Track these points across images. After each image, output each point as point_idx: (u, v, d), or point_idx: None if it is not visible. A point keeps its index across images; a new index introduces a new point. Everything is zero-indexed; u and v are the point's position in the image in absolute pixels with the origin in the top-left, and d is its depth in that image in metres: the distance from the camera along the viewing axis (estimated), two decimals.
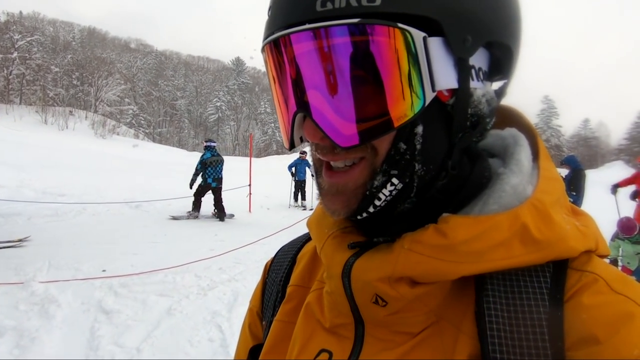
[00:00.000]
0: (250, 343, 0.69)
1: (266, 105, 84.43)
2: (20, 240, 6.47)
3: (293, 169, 12.65)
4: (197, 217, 9.82)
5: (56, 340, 3.54)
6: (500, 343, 0.42)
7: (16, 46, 53.90)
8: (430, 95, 0.44)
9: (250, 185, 11.67)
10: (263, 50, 0.49)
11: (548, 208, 0.46)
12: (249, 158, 13.27)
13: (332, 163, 0.48)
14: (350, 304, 0.50)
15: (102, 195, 11.60)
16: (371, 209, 0.48)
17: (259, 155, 54.49)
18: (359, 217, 0.49)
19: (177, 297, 4.57)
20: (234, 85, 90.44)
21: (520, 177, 0.49)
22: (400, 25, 0.41)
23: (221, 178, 10.19)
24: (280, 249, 0.76)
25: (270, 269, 0.72)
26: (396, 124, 0.43)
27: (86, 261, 5.60)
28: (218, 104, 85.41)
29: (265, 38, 0.48)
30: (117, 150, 31.63)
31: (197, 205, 9.92)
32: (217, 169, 10.08)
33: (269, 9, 0.49)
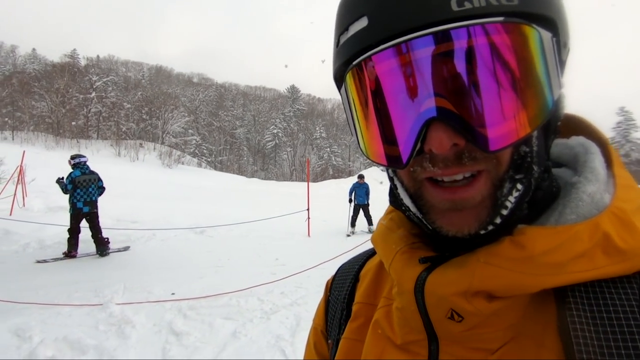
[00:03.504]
0: None
1: (321, 131, 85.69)
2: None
3: (353, 194, 12.49)
4: (74, 256, 7.74)
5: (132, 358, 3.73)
6: (590, 359, 0.39)
7: (94, 87, 59.35)
8: (557, 95, 0.43)
9: (308, 209, 11.78)
10: (358, 60, 0.46)
11: (630, 216, 0.44)
12: (306, 183, 13.44)
13: (446, 178, 0.45)
14: (424, 319, 0.48)
15: (169, 221, 12.23)
16: (498, 220, 0.45)
17: (315, 180, 55.10)
18: (482, 232, 0.45)
19: (241, 320, 4.66)
20: (289, 112, 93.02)
21: (596, 185, 0.47)
22: (535, 26, 0.41)
23: (96, 201, 8.20)
24: (341, 267, 0.76)
25: (332, 287, 0.73)
26: (538, 122, 0.42)
27: (157, 284, 5.90)
28: (275, 131, 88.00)
29: (367, 45, 0.45)
30: (182, 179, 33.37)
31: (72, 240, 7.80)
32: (90, 190, 8.08)
33: (358, 17, 0.46)
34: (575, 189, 0.47)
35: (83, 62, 76.15)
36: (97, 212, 8.21)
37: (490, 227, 0.45)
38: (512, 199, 0.45)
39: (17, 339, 3.95)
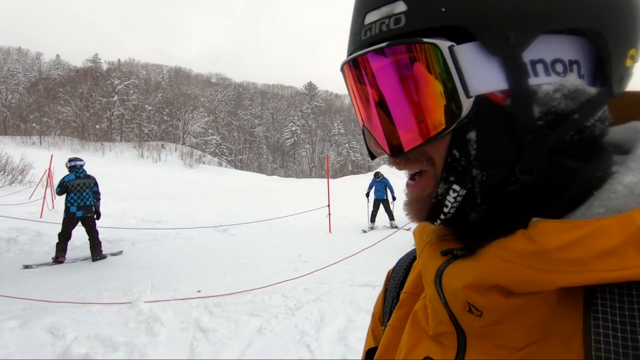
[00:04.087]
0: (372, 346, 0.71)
1: (340, 127, 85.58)
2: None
3: (372, 189, 12.41)
4: (61, 262, 7.47)
5: (161, 355, 3.82)
6: None
7: (116, 90, 60.65)
8: (466, 102, 0.43)
9: (329, 205, 11.80)
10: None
11: None
12: (326, 179, 13.47)
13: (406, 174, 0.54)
14: (448, 312, 0.48)
15: (193, 220, 12.45)
16: (442, 216, 0.49)
17: (334, 176, 55.17)
18: (435, 224, 0.51)
19: (266, 316, 4.71)
20: (307, 109, 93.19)
21: (638, 176, 0.42)
22: (424, 40, 0.43)
23: (91, 206, 7.95)
24: (401, 258, 0.77)
25: (392, 277, 0.74)
26: (432, 134, 0.45)
27: (183, 282, 6.02)
28: (293, 128, 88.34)
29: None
30: (204, 178, 33.82)
31: (61, 245, 7.58)
32: (84, 194, 7.86)
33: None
34: (611, 180, 0.43)
35: (105, 67, 78.02)
36: (92, 217, 7.96)
37: (438, 221, 0.50)
38: (450, 199, 0.47)
39: (51, 337, 4.08)
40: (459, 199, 0.47)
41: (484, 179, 0.45)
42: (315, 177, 58.84)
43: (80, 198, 7.81)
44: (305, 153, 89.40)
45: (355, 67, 0.49)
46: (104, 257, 7.84)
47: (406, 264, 0.71)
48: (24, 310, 4.80)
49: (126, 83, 62.55)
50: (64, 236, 7.64)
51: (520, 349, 0.44)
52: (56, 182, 14.63)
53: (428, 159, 0.48)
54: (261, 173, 58.80)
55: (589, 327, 0.39)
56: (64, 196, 7.95)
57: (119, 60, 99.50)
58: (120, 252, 8.32)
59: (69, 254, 7.71)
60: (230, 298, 5.31)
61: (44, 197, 13.00)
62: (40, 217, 11.41)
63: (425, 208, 0.50)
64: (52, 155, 14.71)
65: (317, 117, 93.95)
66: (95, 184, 8.13)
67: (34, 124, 55.50)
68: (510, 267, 0.41)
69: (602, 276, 0.38)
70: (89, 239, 7.82)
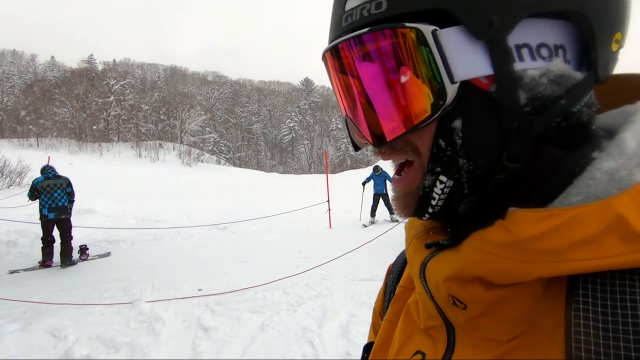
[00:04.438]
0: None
1: (337, 122, 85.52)
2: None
3: (370, 182, 12.35)
4: (49, 265, 7.39)
5: (164, 355, 3.81)
6: (589, 358, 0.35)
7: (112, 90, 60.47)
8: (451, 88, 0.41)
9: (328, 201, 11.79)
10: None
11: None
12: (325, 175, 13.46)
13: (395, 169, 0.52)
14: (435, 305, 0.48)
15: (192, 219, 12.43)
16: (430, 209, 0.48)
17: (334, 171, 55.14)
18: (423, 218, 0.50)
19: (268, 313, 4.70)
20: (304, 105, 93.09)
21: (621, 161, 0.40)
22: (406, 24, 0.42)
23: (64, 207, 7.70)
24: (402, 252, 0.76)
25: (392, 272, 0.74)
26: (415, 122, 0.44)
27: (184, 281, 6.00)
28: (291, 124, 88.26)
29: None
30: (203, 177, 33.80)
31: (46, 249, 7.44)
32: (55, 195, 7.59)
33: None
34: (590, 166, 0.42)
35: (100, 67, 77.68)
36: (67, 219, 7.71)
37: (427, 215, 0.49)
38: (437, 190, 0.46)
39: (53, 339, 4.07)
40: (446, 190, 0.46)
41: (471, 169, 0.44)
42: (315, 173, 58.82)
43: (52, 199, 7.57)
44: (303, 149, 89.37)
45: (336, 55, 0.48)
46: (74, 263, 7.55)
47: (403, 257, 0.71)
48: (24, 313, 4.79)
49: (122, 83, 62.35)
50: (46, 240, 7.49)
51: (506, 341, 0.43)
52: None
53: (414, 149, 0.47)
54: (260, 170, 58.90)
55: (570, 318, 0.38)
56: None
57: (114, 60, 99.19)
58: (108, 254, 8.20)
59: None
60: (231, 296, 5.30)
61: None
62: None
63: (412, 202, 0.49)
64: (49, 157, 14.65)
65: (315, 112, 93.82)
66: (69, 185, 7.86)
67: (30, 126, 55.35)
68: (488, 258, 0.41)
69: (581, 265, 0.37)
70: (61, 243, 7.54)
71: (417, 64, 0.42)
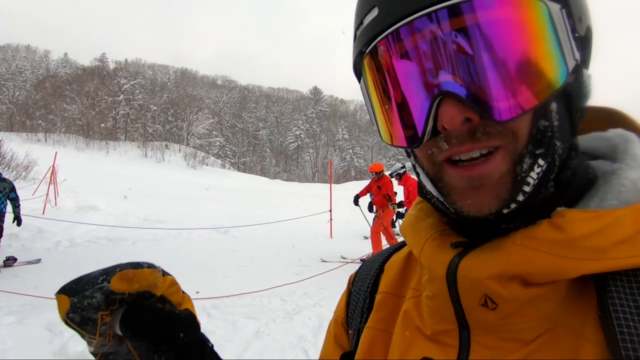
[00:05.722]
0: (339, 352, 0.68)
1: (344, 132, 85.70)
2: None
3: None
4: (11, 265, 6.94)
5: None
6: (635, 348, 0.37)
7: (122, 89, 61.00)
8: (572, 65, 0.42)
9: (331, 210, 11.79)
10: (370, 47, 0.48)
11: None
12: (328, 184, 13.46)
13: (462, 156, 0.44)
14: (455, 307, 0.47)
15: (194, 221, 12.46)
16: (520, 197, 0.44)
17: (337, 182, 55.12)
18: (505, 211, 0.44)
19: (264, 320, 4.70)
20: (312, 113, 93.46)
21: (639, 172, 0.45)
22: None
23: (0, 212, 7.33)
24: (364, 262, 0.76)
25: (355, 280, 0.72)
26: (548, 93, 0.42)
27: (182, 283, 5.73)
28: (297, 132, 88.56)
29: (379, 31, 0.46)
30: (207, 180, 33.88)
31: None
32: None
33: (370, 9, 0.48)
34: (616, 175, 0.46)
35: (112, 66, 78.50)
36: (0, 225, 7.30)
37: (513, 205, 0.44)
38: (534, 174, 0.43)
39: (49, 334, 4.08)
40: (540, 174, 0.44)
41: (561, 152, 0.46)
42: (318, 182, 58.83)
43: None
44: (308, 157, 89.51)
45: (450, 18, 0.41)
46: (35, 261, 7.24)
47: (376, 265, 0.70)
48: (22, 306, 4.81)
49: (132, 83, 62.92)
50: None
51: (530, 341, 0.44)
52: (60, 180, 14.77)
53: (512, 131, 0.43)
54: (264, 176, 58.95)
55: (608, 312, 0.40)
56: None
57: (125, 60, 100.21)
58: (38, 261, 7.38)
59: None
60: (228, 300, 5.29)
61: (47, 194, 13.04)
62: (43, 213, 11.43)
63: (505, 188, 0.44)
64: (56, 153, 14.80)
65: (322, 121, 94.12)
66: (12, 189, 7.64)
67: (39, 121, 55.86)
68: (537, 256, 0.42)
69: (618, 263, 0.41)
70: None
71: (551, 37, 0.41)
